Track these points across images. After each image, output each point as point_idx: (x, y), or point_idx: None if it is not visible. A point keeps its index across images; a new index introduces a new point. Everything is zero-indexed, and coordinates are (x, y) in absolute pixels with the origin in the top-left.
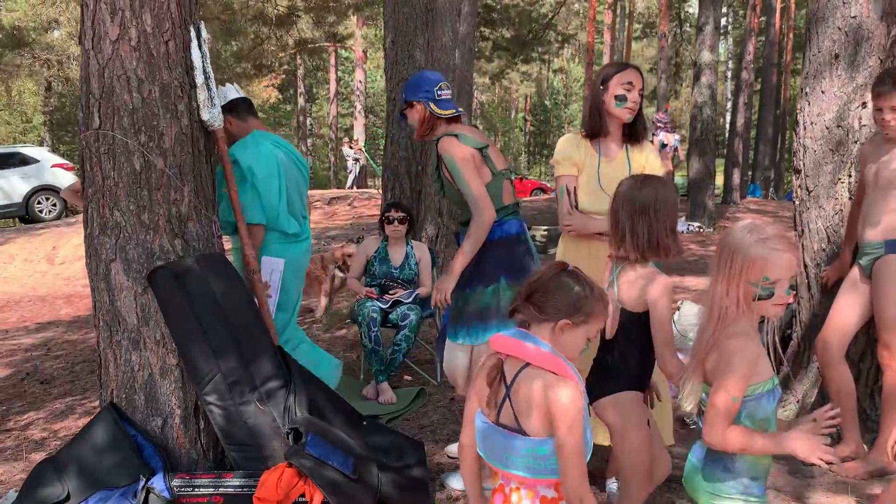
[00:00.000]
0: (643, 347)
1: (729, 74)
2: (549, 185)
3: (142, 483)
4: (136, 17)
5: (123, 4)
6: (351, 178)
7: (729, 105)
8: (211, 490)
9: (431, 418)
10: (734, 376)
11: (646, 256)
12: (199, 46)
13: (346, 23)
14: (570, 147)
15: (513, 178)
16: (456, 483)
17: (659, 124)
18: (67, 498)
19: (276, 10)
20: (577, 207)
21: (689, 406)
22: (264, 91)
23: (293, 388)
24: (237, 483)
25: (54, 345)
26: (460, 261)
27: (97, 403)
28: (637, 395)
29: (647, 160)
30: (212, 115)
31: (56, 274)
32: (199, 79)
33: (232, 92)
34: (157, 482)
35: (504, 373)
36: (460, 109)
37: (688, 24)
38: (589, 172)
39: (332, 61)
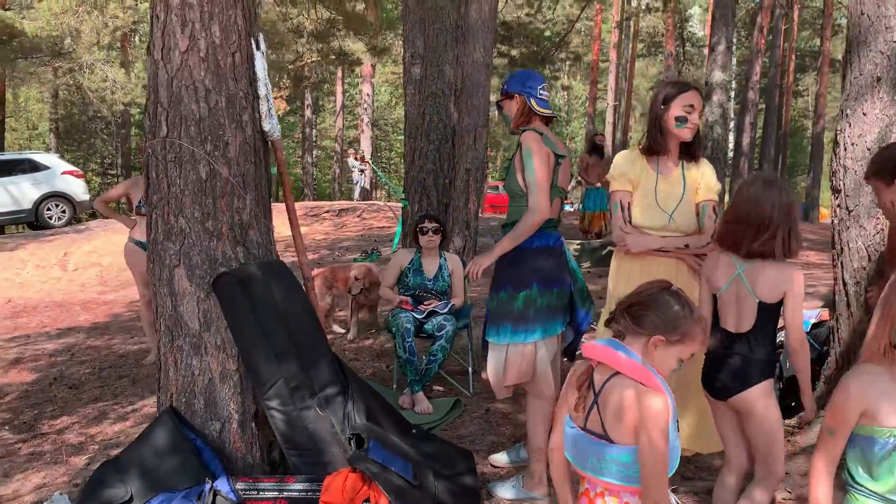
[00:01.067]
0: (773, 336)
1: (732, 94)
2: None
3: (208, 486)
4: (206, 29)
5: (194, 17)
6: (357, 189)
7: (732, 125)
8: (275, 494)
9: (469, 429)
10: (829, 409)
11: (786, 254)
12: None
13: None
14: (625, 163)
15: (564, 197)
16: (504, 492)
17: None
18: (131, 499)
19: (315, 25)
20: (630, 223)
21: None
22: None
23: (351, 394)
24: (300, 487)
25: (78, 350)
26: (504, 244)
27: (129, 409)
28: (771, 382)
29: (702, 177)
30: (272, 126)
31: (70, 280)
32: (262, 90)
33: None
34: (222, 485)
35: (593, 380)
36: (555, 113)
37: (689, 44)
38: (645, 189)
39: (339, 74)
